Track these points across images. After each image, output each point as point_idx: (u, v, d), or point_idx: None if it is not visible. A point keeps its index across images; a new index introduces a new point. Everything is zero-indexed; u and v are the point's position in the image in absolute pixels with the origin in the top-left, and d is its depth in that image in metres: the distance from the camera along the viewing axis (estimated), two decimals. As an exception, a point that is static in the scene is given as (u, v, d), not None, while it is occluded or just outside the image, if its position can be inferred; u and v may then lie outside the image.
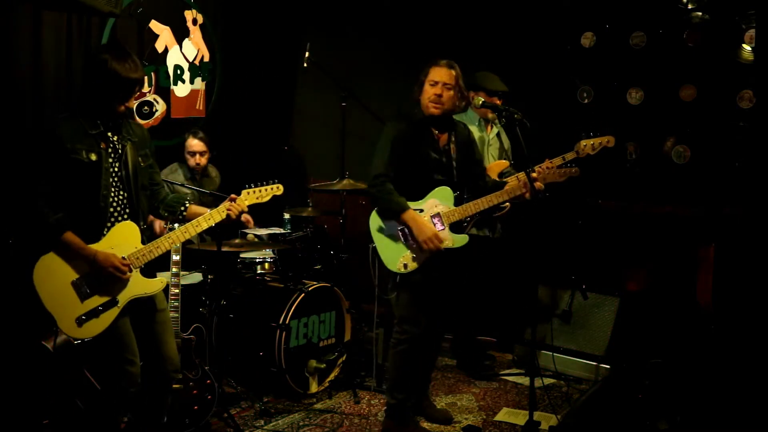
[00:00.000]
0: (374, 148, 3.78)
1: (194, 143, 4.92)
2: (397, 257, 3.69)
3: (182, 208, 3.28)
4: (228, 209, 3.23)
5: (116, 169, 3.05)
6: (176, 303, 3.73)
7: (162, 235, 3.17)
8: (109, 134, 3.04)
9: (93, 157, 2.96)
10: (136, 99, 3.26)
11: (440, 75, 3.69)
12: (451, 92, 3.70)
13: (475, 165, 3.94)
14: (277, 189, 3.39)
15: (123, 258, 3.02)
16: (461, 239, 3.74)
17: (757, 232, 4.53)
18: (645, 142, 5.09)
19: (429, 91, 3.70)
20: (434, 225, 3.69)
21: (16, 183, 3.93)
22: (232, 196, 3.26)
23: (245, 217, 4.76)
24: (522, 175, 4.40)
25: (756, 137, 4.64)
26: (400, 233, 3.70)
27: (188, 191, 4.77)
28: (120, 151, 3.06)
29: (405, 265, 3.68)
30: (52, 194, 2.91)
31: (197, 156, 4.90)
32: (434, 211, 3.71)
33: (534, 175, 3.70)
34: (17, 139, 4.22)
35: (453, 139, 3.82)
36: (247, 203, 3.31)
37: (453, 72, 3.70)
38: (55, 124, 2.96)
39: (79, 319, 2.95)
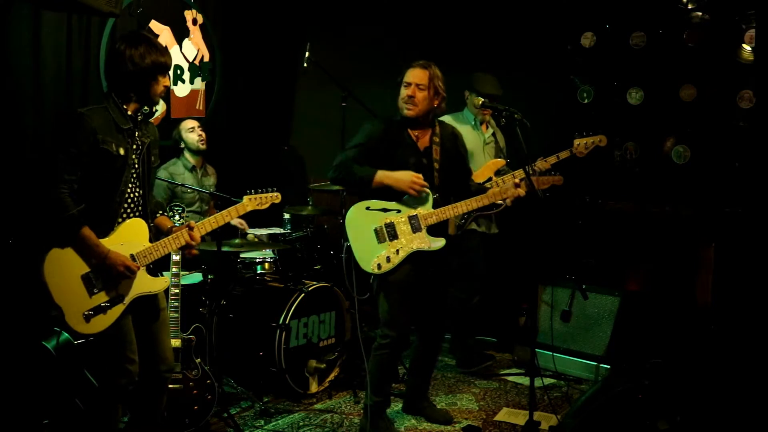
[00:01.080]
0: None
1: (189, 120, 4.93)
2: (371, 257, 3.66)
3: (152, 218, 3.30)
4: (186, 251, 3.24)
5: (136, 166, 3.08)
6: (176, 303, 3.73)
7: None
8: (136, 131, 3.08)
9: (121, 151, 3.00)
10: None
11: (413, 76, 3.68)
12: (425, 92, 3.67)
13: (462, 172, 3.92)
14: (276, 197, 3.46)
15: (132, 256, 3.04)
16: (438, 242, 3.71)
17: (757, 232, 4.53)
18: (645, 142, 5.09)
19: (402, 93, 3.70)
20: (411, 227, 3.68)
21: (35, 171, 3.93)
22: (191, 223, 3.25)
23: (237, 221, 4.82)
24: (519, 172, 4.41)
25: (756, 137, 4.64)
26: (378, 231, 3.68)
27: (189, 191, 4.78)
28: (142, 148, 3.10)
29: (379, 266, 3.65)
30: (75, 184, 2.92)
31: (197, 129, 4.88)
32: (412, 212, 3.70)
33: (516, 180, 3.72)
34: (17, 140, 4.23)
35: (437, 141, 3.79)
36: (249, 208, 3.37)
37: (427, 72, 3.68)
38: (88, 114, 2.96)
39: (86, 313, 2.96)
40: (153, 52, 3.01)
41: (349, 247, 3.72)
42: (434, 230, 3.73)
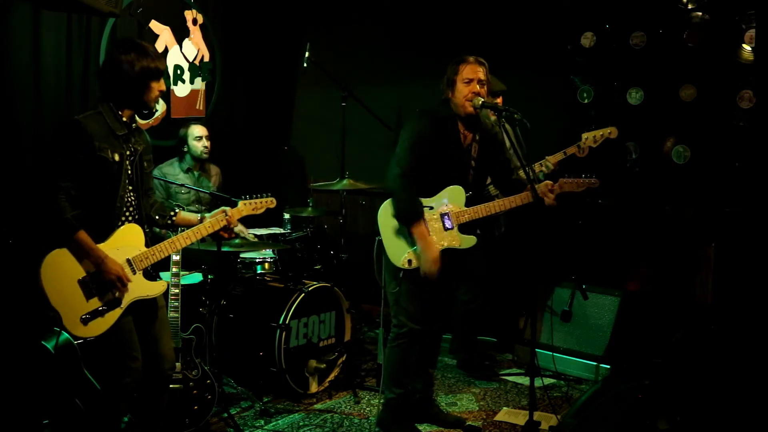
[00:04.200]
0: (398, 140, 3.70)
1: (199, 127, 4.94)
2: (402, 252, 3.65)
3: (172, 213, 3.33)
4: (222, 231, 3.29)
5: (129, 172, 3.09)
6: (176, 303, 3.74)
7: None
8: (131, 137, 3.10)
9: (116, 157, 3.01)
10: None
11: (473, 72, 3.64)
12: (485, 89, 3.66)
13: (500, 164, 3.87)
14: (271, 203, 3.49)
15: (128, 261, 3.06)
16: (469, 240, 3.70)
17: (757, 232, 4.53)
18: (645, 142, 5.09)
19: (464, 90, 3.63)
20: (443, 224, 3.66)
21: (31, 176, 3.92)
22: (224, 209, 3.31)
23: (238, 228, 4.80)
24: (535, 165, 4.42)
25: (756, 137, 4.64)
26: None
27: (186, 191, 4.78)
28: (135, 155, 3.12)
29: (410, 262, 3.64)
30: (72, 190, 2.93)
31: (204, 140, 4.91)
32: (444, 209, 3.68)
33: (552, 186, 3.68)
34: (17, 139, 4.23)
35: (477, 138, 3.76)
36: (244, 213, 3.40)
37: (484, 68, 3.67)
38: (85, 121, 2.96)
39: (83, 317, 2.97)
40: (144, 59, 3.02)
41: (380, 242, 3.70)
42: (464, 230, 3.71)
